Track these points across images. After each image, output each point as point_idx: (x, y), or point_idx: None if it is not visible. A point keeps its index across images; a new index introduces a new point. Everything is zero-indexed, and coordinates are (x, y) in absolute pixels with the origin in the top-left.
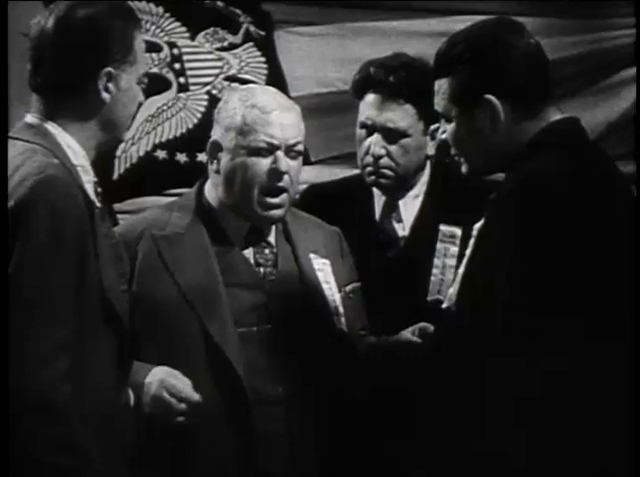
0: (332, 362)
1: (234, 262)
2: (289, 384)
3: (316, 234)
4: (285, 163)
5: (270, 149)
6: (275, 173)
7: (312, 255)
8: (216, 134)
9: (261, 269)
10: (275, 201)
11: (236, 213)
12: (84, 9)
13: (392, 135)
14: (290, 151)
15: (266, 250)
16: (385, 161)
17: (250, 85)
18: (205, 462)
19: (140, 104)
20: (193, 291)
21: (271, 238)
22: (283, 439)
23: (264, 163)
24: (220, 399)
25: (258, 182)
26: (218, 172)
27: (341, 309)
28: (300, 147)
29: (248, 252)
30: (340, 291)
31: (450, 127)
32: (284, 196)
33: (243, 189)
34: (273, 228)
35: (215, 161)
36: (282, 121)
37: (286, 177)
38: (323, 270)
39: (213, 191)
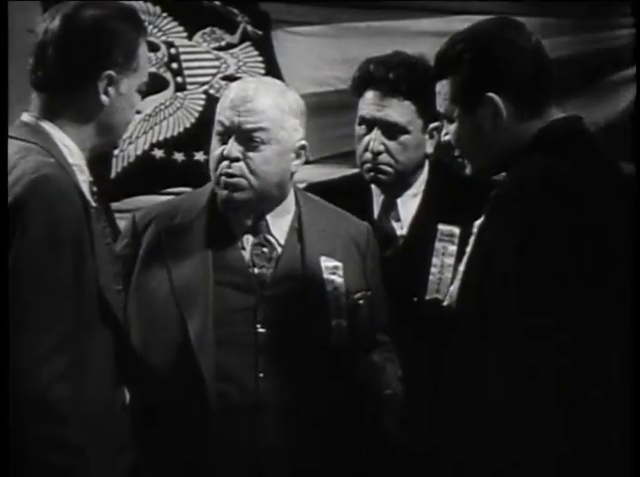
0: (322, 372)
1: (229, 261)
2: (264, 391)
3: (337, 233)
4: (235, 149)
5: (224, 133)
6: (225, 159)
7: (323, 258)
8: None
9: (256, 270)
10: (230, 181)
11: None
12: (92, 10)
13: (391, 131)
14: (249, 140)
15: (265, 249)
16: (383, 157)
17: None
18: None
19: (138, 112)
20: (181, 287)
21: (272, 238)
22: (253, 449)
23: (220, 149)
24: (185, 403)
25: (213, 167)
26: None
27: (344, 315)
28: (261, 136)
29: (246, 251)
30: (349, 298)
31: (453, 128)
32: (240, 180)
33: (211, 173)
34: (286, 226)
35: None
36: (245, 107)
37: (240, 164)
38: (334, 274)
39: None
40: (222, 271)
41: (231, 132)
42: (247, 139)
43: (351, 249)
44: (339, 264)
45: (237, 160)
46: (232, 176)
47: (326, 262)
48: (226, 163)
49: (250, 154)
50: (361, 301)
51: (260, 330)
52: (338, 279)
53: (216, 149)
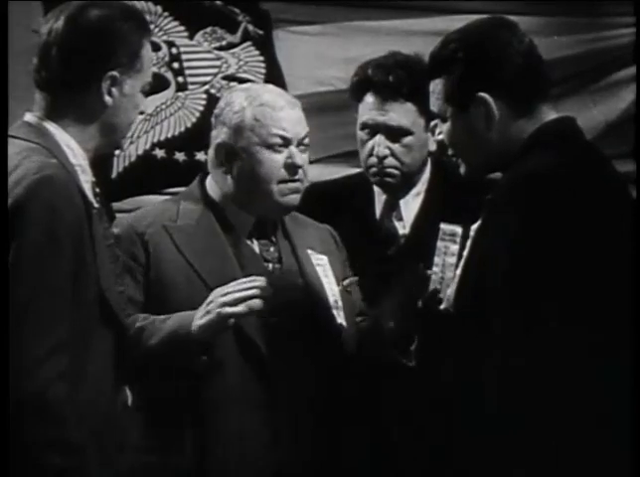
0: (329, 357)
1: (243, 255)
2: (281, 382)
3: (311, 231)
4: (300, 157)
5: (284, 143)
6: (293, 167)
7: (310, 251)
8: (222, 136)
9: (269, 265)
10: (293, 186)
11: (241, 208)
12: (96, 10)
13: (395, 134)
14: (300, 145)
15: (272, 248)
16: (389, 161)
17: (252, 85)
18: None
19: (142, 113)
20: (214, 279)
21: (273, 236)
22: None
23: (279, 158)
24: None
25: (276, 177)
26: (227, 172)
27: (340, 303)
28: (308, 140)
29: (256, 248)
30: (338, 285)
31: (446, 127)
32: (299, 184)
33: (261, 184)
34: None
35: (224, 162)
36: (291, 117)
37: (300, 170)
38: (322, 266)
39: (216, 187)
40: (242, 268)
41: None
42: None
43: (325, 244)
44: (324, 256)
45: None
46: None
47: (313, 255)
48: None
49: None
50: (349, 288)
51: (274, 320)
52: (328, 269)
53: None
